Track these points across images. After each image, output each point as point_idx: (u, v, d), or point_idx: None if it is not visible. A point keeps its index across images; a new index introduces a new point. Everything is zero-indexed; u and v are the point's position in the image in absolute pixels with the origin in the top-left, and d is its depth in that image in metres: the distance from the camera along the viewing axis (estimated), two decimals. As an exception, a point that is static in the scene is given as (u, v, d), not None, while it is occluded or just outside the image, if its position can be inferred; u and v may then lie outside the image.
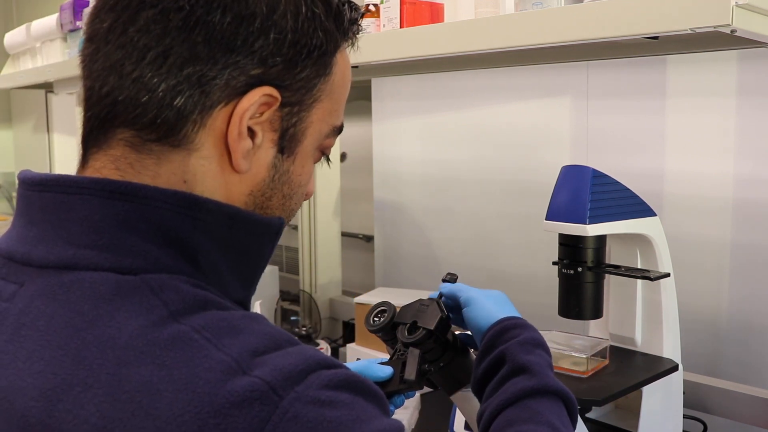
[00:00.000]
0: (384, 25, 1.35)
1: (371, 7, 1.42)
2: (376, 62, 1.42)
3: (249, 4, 0.56)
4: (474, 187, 1.96)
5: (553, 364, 1.16)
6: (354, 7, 0.64)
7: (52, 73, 2.27)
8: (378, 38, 1.37)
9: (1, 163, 3.94)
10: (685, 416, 1.27)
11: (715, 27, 0.86)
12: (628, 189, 1.17)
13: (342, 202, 2.23)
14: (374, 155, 2.25)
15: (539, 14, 1.06)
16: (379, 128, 2.23)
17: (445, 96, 2.03)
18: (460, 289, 0.92)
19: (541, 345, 0.82)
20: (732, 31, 0.87)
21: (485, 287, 0.93)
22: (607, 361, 1.20)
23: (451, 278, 0.98)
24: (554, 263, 1.20)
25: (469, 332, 0.91)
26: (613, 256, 1.25)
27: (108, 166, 0.58)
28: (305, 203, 2.15)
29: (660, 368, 1.19)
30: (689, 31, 0.89)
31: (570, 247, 1.17)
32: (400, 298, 1.07)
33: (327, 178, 2.17)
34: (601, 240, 1.16)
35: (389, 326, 0.92)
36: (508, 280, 1.88)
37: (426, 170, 2.11)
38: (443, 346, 0.90)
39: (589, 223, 1.11)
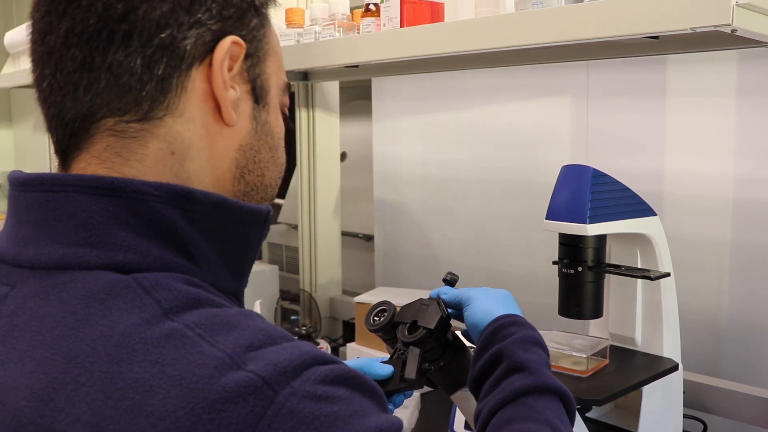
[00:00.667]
0: (384, 25, 1.35)
1: (371, 7, 1.42)
2: (376, 62, 1.43)
3: None
4: (474, 187, 1.96)
5: (553, 363, 1.16)
6: None
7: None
8: (378, 38, 1.37)
9: (1, 163, 3.93)
10: (685, 416, 1.27)
11: (715, 27, 0.86)
12: (628, 189, 1.17)
13: (342, 202, 2.23)
14: (374, 155, 2.25)
15: (539, 14, 1.06)
16: (379, 128, 2.23)
17: (445, 96, 2.03)
18: (461, 292, 0.92)
19: (538, 343, 0.82)
20: (732, 31, 0.87)
21: (486, 287, 0.93)
22: (607, 361, 1.20)
23: (452, 278, 0.98)
24: (554, 263, 1.20)
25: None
26: (613, 255, 1.25)
27: (93, 163, 0.58)
28: (305, 203, 2.16)
29: (660, 368, 1.19)
30: (689, 31, 0.89)
31: (570, 246, 1.17)
32: (400, 297, 1.07)
33: (327, 178, 2.17)
34: (601, 240, 1.16)
35: (389, 326, 0.92)
36: (508, 280, 1.88)
37: (426, 170, 2.11)
38: (443, 345, 0.90)
39: (589, 223, 1.11)
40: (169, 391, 0.48)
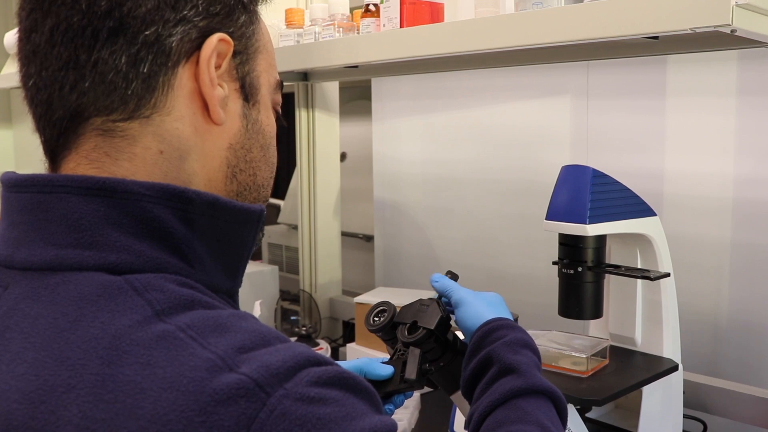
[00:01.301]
0: (384, 25, 1.35)
1: (371, 7, 1.42)
2: (376, 62, 1.42)
3: None
4: (474, 187, 1.96)
5: (553, 364, 1.16)
6: None
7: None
8: (378, 38, 1.37)
9: (1, 163, 3.93)
10: (685, 416, 1.27)
11: (715, 27, 0.86)
12: (628, 189, 1.17)
13: (342, 202, 2.22)
14: (374, 155, 2.25)
15: (539, 14, 1.06)
16: (379, 128, 2.23)
17: (445, 96, 2.03)
18: (451, 288, 0.92)
19: (528, 345, 0.82)
20: (732, 31, 0.87)
21: (485, 287, 0.93)
22: (607, 361, 1.20)
23: (452, 277, 0.98)
24: (554, 263, 1.20)
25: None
26: (613, 256, 1.25)
27: (82, 163, 0.57)
28: (305, 203, 2.16)
29: (660, 368, 1.19)
30: (689, 31, 0.89)
31: (570, 246, 1.17)
32: (400, 298, 1.07)
33: (327, 178, 2.17)
34: (601, 240, 1.17)
35: (389, 326, 0.92)
36: (508, 280, 1.88)
37: (426, 170, 2.11)
38: (443, 345, 0.90)
39: (589, 223, 1.11)
40: (161, 393, 0.47)
